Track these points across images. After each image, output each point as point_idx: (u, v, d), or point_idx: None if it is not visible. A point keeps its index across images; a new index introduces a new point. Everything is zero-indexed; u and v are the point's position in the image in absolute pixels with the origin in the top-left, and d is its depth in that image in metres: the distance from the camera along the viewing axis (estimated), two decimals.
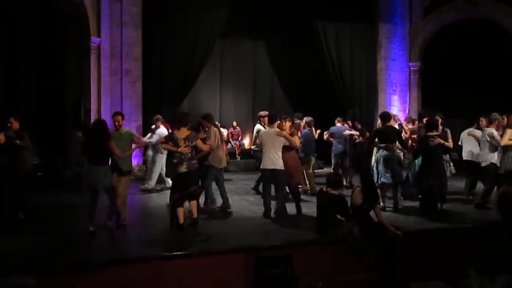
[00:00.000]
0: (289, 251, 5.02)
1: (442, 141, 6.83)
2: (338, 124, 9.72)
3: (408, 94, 13.60)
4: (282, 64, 14.46)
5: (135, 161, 10.55)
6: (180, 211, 5.84)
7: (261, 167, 6.79)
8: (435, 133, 6.93)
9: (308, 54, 13.41)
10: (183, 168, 5.91)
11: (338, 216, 5.60)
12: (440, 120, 7.86)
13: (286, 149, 6.77)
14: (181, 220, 5.81)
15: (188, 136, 6.01)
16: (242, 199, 8.24)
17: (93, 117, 10.27)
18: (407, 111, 13.30)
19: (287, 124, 6.94)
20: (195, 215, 5.93)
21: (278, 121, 6.92)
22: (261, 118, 8.56)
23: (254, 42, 14.37)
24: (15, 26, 10.07)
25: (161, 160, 8.69)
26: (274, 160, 6.60)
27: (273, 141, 6.65)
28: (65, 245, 5.22)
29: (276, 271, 4.81)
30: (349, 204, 5.64)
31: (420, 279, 4.33)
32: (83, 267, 4.58)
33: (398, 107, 13.45)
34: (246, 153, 13.12)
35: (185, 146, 5.90)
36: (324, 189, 5.75)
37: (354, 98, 13.36)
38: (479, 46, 12.28)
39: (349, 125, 10.06)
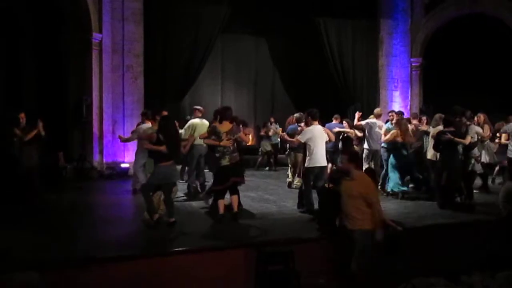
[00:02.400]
0: (290, 247, 5.03)
1: (452, 137, 6.91)
2: (334, 122, 9.72)
3: (409, 90, 13.60)
4: (283, 60, 14.43)
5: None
6: (221, 203, 6.03)
7: (311, 164, 6.47)
8: (450, 129, 7.04)
9: (309, 51, 13.40)
10: (225, 162, 6.06)
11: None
12: (465, 117, 7.86)
13: None
14: (221, 211, 5.98)
15: (230, 129, 6.13)
16: (244, 195, 8.18)
17: (94, 113, 10.30)
18: (408, 107, 13.30)
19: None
20: (236, 209, 6.09)
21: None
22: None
23: (255, 38, 14.35)
24: (16, 22, 10.08)
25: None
26: (324, 157, 6.58)
27: (322, 137, 6.60)
28: (68, 240, 5.24)
29: (278, 267, 4.83)
30: None
31: (421, 275, 4.34)
32: (85, 262, 4.61)
33: (399, 103, 13.45)
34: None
35: (227, 140, 6.01)
36: (326, 185, 5.77)
37: (355, 95, 13.35)
38: (481, 41, 12.26)
39: (347, 123, 10.00)
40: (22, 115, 7.42)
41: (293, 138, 7.22)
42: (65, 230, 5.71)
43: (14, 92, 10.00)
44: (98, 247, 5.05)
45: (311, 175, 6.49)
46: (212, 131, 6.16)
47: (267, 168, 12.12)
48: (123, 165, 10.47)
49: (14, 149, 7.34)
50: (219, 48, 13.50)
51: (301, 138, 6.59)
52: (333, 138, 6.99)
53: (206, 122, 7.98)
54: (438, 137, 7.10)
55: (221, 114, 6.30)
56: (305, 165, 6.53)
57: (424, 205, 7.32)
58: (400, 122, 7.93)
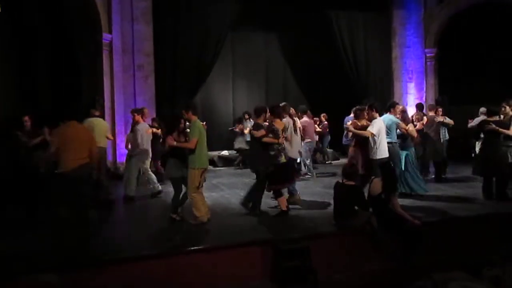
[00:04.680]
0: (307, 243, 5.04)
1: (496, 128, 6.88)
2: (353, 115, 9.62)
3: (424, 82, 13.45)
4: (294, 55, 14.37)
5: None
6: (283, 200, 6.28)
7: (378, 156, 6.68)
8: (494, 118, 7.03)
9: (321, 44, 13.33)
10: (283, 159, 6.27)
11: (355, 208, 5.60)
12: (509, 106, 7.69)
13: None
14: (285, 208, 6.23)
15: (284, 127, 6.41)
16: None
17: (107, 114, 10.39)
18: (424, 98, 13.16)
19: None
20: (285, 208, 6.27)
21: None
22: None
23: (265, 34, 14.32)
24: (26, 24, 10.19)
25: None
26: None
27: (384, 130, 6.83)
28: (83, 242, 5.31)
29: (294, 264, 4.84)
30: (366, 195, 5.65)
31: (441, 269, 4.31)
32: (102, 262, 4.67)
33: (414, 94, 13.32)
34: None
35: (283, 137, 6.34)
36: (340, 180, 5.76)
37: (369, 87, 13.28)
38: (498, 30, 12.05)
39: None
40: (26, 118, 7.18)
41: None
42: (82, 230, 5.77)
43: (28, 94, 10.13)
44: (111, 248, 5.11)
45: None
46: (270, 130, 6.26)
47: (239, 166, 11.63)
48: None
49: (20, 154, 7.09)
50: (230, 44, 13.50)
51: (373, 130, 6.70)
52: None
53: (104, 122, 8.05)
54: (480, 127, 7.19)
55: (275, 112, 6.49)
56: (373, 157, 6.70)
57: (443, 197, 7.27)
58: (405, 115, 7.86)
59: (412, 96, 13.18)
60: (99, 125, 7.72)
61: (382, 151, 6.71)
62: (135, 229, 5.96)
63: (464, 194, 7.51)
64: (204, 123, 6.50)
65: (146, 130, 7.78)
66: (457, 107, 11.02)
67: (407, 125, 7.46)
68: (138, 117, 7.75)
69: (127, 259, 4.73)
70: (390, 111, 7.31)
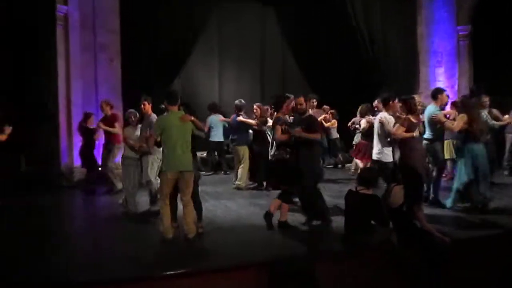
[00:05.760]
0: (310, 264, 5.08)
1: None
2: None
3: (456, 66, 13.58)
4: (296, 33, 14.42)
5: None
6: (286, 209, 6.64)
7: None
8: None
9: (328, 21, 13.42)
10: None
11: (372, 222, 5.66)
12: None
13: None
14: (285, 218, 6.58)
15: None
16: (251, 203, 8.31)
17: (61, 104, 10.34)
18: (456, 87, 13.26)
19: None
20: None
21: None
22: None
23: (261, 7, 14.39)
24: None
25: None
26: None
27: None
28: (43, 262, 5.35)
29: None
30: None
31: None
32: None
33: (444, 82, 13.40)
34: None
35: None
36: (354, 188, 5.80)
37: (388, 74, 13.36)
38: None
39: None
40: None
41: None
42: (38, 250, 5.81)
43: None
44: (79, 269, 5.15)
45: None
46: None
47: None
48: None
49: None
50: (215, 18, 13.55)
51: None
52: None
53: None
54: None
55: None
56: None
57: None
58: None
59: (441, 84, 13.23)
60: None
61: None
62: (108, 250, 5.97)
63: (505, 205, 7.62)
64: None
65: None
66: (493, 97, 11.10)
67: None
68: (148, 107, 7.88)
69: (99, 283, 4.77)
70: (436, 100, 7.57)
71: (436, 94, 7.69)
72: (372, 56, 13.34)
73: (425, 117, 7.45)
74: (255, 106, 9.77)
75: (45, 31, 10.24)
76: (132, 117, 7.83)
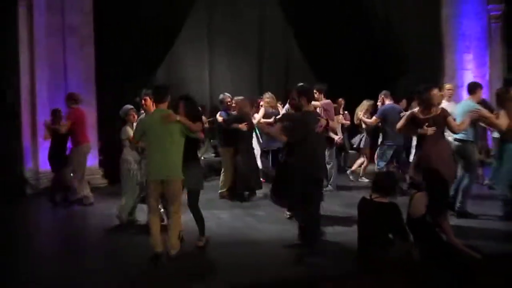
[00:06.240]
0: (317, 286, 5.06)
1: None
2: (388, 102, 9.66)
3: (487, 52, 13.55)
4: (301, 17, 14.38)
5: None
6: None
7: None
8: None
9: (338, 2, 13.39)
10: None
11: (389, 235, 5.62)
12: None
13: None
14: None
15: None
16: (247, 213, 8.32)
17: (24, 99, 10.28)
18: (487, 77, 13.24)
19: None
20: None
21: None
22: None
23: None
24: None
25: None
26: None
27: None
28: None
29: None
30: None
31: None
32: None
33: (473, 71, 13.40)
34: None
35: None
36: (369, 196, 5.76)
37: (406, 61, 13.32)
38: None
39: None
40: None
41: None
42: None
43: None
44: None
45: None
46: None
47: None
48: None
49: None
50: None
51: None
52: None
53: None
54: None
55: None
56: None
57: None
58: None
59: (469, 74, 13.26)
60: None
61: None
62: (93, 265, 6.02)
63: None
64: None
65: None
66: None
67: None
68: (150, 103, 7.82)
69: None
70: (473, 94, 7.72)
71: (475, 88, 7.78)
72: (388, 43, 13.38)
73: (457, 113, 7.43)
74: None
75: (4, 13, 10.22)
76: (132, 114, 7.78)
